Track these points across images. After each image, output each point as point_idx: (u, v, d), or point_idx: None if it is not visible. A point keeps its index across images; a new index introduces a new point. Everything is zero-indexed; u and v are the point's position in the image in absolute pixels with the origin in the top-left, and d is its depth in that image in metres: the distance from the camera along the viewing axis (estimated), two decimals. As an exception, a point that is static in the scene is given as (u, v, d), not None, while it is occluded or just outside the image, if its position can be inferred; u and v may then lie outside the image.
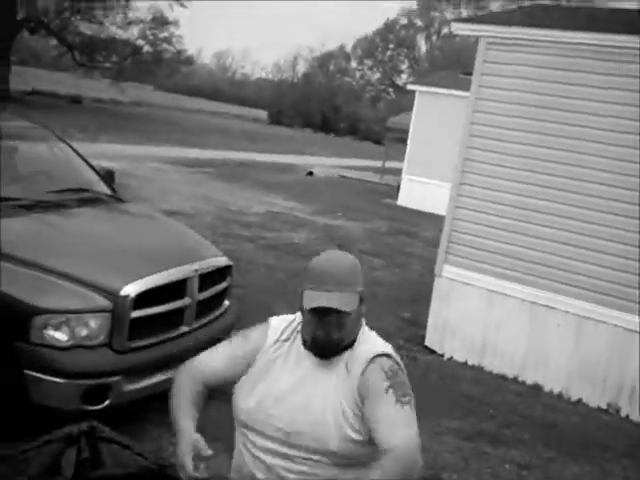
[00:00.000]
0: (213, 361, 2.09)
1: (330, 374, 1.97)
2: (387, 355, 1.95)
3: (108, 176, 5.63)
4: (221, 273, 4.73)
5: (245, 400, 2.00)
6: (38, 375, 3.69)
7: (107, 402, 3.73)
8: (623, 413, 5.66)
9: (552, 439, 4.95)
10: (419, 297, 7.44)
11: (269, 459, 1.96)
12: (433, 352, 6.38)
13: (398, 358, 1.98)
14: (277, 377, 2.00)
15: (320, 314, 1.92)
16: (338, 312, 1.91)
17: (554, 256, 5.87)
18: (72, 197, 4.90)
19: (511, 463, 4.50)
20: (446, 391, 5.50)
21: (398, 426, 1.81)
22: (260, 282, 7.73)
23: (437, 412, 5.09)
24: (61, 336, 3.72)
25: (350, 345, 1.99)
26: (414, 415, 1.87)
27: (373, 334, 2.08)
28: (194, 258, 4.49)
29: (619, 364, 5.66)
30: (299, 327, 2.08)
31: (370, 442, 1.86)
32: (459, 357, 6.34)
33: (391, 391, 1.86)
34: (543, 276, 5.92)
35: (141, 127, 24.57)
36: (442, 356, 6.36)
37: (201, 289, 4.39)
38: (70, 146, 5.52)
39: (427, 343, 6.50)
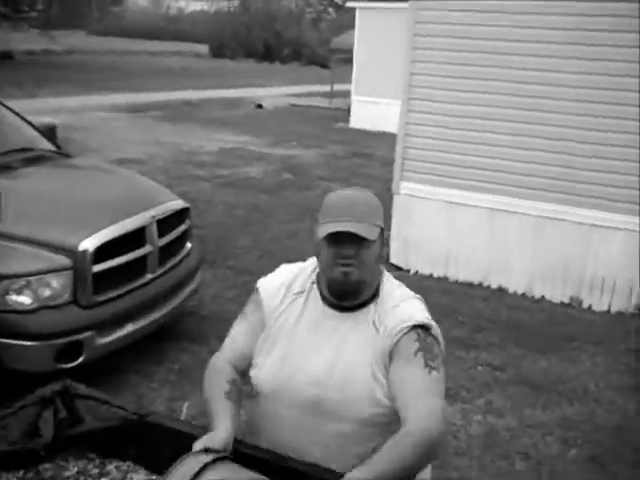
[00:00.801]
0: (235, 343, 1.90)
1: (356, 332, 1.79)
2: (426, 328, 1.77)
3: (50, 132, 5.47)
4: (179, 216, 4.69)
5: (264, 370, 1.85)
6: (7, 341, 3.67)
7: (81, 359, 3.74)
8: (585, 304, 5.87)
9: (521, 338, 5.13)
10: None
11: (293, 427, 1.82)
12: (399, 269, 6.48)
13: (438, 329, 1.81)
14: (295, 338, 1.83)
15: (337, 245, 1.73)
16: (357, 242, 1.72)
17: (508, 161, 5.92)
18: (16, 158, 4.76)
19: (484, 365, 4.67)
20: (416, 305, 5.61)
21: (421, 396, 1.65)
22: (220, 220, 7.69)
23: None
24: (24, 299, 3.69)
25: (373, 297, 1.83)
26: (442, 385, 1.72)
27: (396, 284, 1.89)
28: (149, 205, 4.44)
29: (578, 259, 5.82)
30: (314, 277, 1.89)
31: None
32: (425, 270, 6.45)
33: (420, 354, 1.71)
34: (499, 182, 5.99)
35: (78, 76, 23.74)
36: (408, 271, 6.46)
37: (161, 235, 4.36)
38: (5, 105, 5.32)
39: (392, 260, 6.59)
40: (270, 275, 1.96)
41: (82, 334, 3.76)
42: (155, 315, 4.25)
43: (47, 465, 1.93)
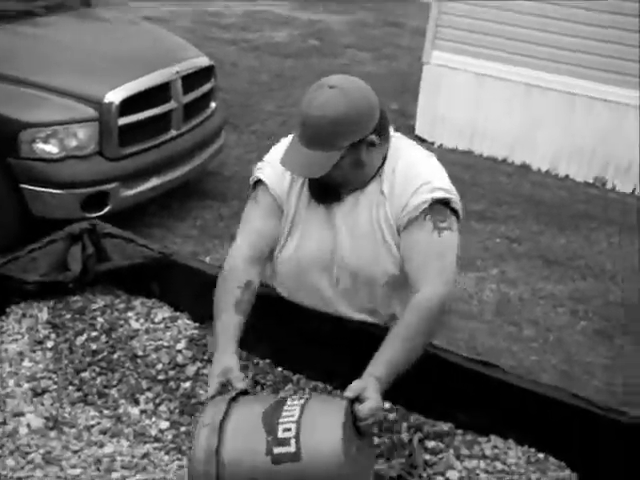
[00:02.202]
0: (250, 224, 1.79)
1: (365, 202, 1.74)
2: (445, 202, 1.68)
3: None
4: (204, 74, 4.62)
5: (287, 250, 1.81)
6: (35, 188, 3.75)
7: (107, 209, 3.83)
8: (609, 185, 5.81)
9: (541, 214, 5.13)
10: (408, 88, 7.31)
11: (311, 297, 1.83)
12: (423, 141, 6.40)
13: (452, 192, 1.70)
14: (310, 216, 1.77)
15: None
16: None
17: (546, 33, 5.68)
18: (39, 4, 4.67)
19: (501, 237, 4.71)
20: (438, 177, 5.59)
21: (430, 259, 1.64)
22: (245, 85, 7.56)
23: (429, 197, 5.23)
24: (51, 148, 3.73)
25: (378, 171, 1.74)
26: (453, 247, 1.69)
27: (407, 148, 1.79)
28: (175, 60, 4.37)
29: (607, 139, 5.70)
30: None
31: None
32: (449, 144, 6.37)
33: (429, 217, 1.66)
34: (534, 55, 5.78)
35: None
36: (433, 144, 6.39)
37: (186, 92, 4.32)
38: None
39: (417, 132, 6.50)
40: (266, 163, 1.82)
41: (107, 185, 3.83)
42: (179, 171, 4.30)
43: (76, 297, 2.03)
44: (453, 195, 1.71)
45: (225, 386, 1.52)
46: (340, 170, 1.65)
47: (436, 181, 1.70)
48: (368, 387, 1.45)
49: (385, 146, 1.74)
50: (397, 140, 1.80)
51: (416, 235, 1.67)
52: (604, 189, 5.79)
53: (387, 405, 1.70)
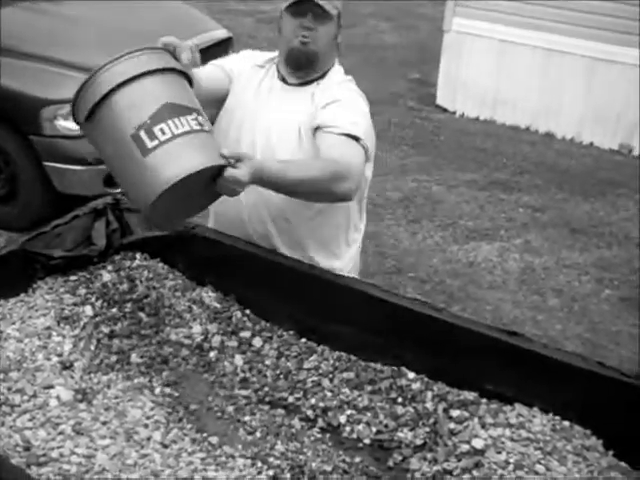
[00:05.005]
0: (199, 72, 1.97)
1: (297, 102, 1.97)
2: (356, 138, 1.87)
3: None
4: (223, 47, 4.60)
5: (226, 132, 2.03)
6: (58, 165, 3.78)
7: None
8: (636, 152, 5.71)
9: (565, 182, 5.07)
10: (429, 57, 7.23)
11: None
12: (445, 110, 6.35)
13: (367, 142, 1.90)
14: (249, 105, 2.02)
15: (300, 15, 1.91)
16: (317, 16, 1.90)
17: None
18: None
19: (525, 207, 4.67)
20: (459, 146, 5.55)
21: (339, 147, 1.82)
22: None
23: (451, 166, 5.20)
24: (72, 125, 3.71)
25: (319, 77, 2.00)
26: (361, 151, 1.87)
27: (344, 76, 2.05)
28: (192, 33, 4.34)
29: (633, 104, 5.59)
30: (276, 60, 2.07)
31: None
32: (471, 113, 6.30)
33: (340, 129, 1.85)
34: (555, 19, 5.67)
35: None
36: (454, 113, 6.32)
37: (204, 63, 4.30)
38: None
39: (438, 102, 6.44)
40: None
41: (129, 161, 3.84)
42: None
43: (101, 271, 2.04)
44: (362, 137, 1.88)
45: (167, 47, 1.69)
46: (324, 37, 1.93)
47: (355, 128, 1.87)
48: (246, 160, 1.62)
49: (335, 55, 2.03)
50: (338, 70, 2.06)
51: (327, 137, 1.86)
52: (630, 156, 5.70)
53: (411, 375, 1.70)
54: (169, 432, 1.59)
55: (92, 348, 1.79)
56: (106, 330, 1.84)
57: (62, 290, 1.95)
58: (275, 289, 1.93)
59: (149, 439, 1.55)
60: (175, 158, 1.52)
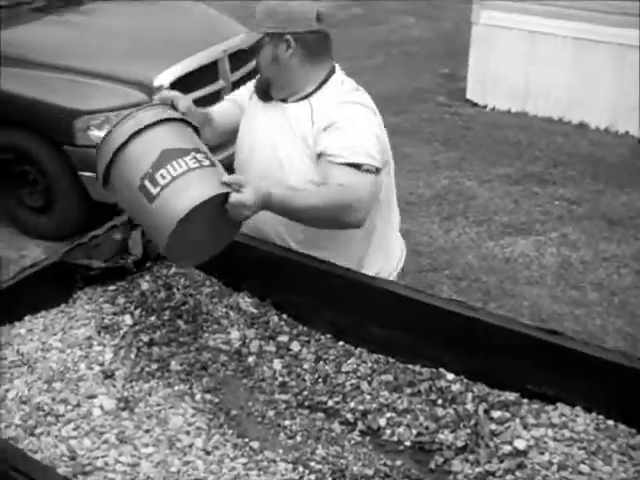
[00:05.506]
0: (214, 109, 2.19)
1: (285, 118, 2.00)
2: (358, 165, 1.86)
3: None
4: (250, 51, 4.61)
5: (242, 159, 2.13)
6: (92, 174, 3.82)
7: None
8: (673, 140, 5.59)
9: (600, 173, 4.99)
10: (457, 51, 7.15)
11: None
12: (475, 105, 6.28)
13: (372, 161, 1.88)
14: (252, 127, 2.09)
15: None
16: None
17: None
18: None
19: (560, 199, 4.60)
20: (491, 140, 5.49)
21: (339, 172, 1.84)
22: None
23: (484, 161, 5.15)
24: (105, 135, 3.80)
25: (311, 93, 1.99)
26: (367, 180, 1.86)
27: (341, 84, 2.04)
28: (221, 38, 4.38)
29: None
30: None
31: None
32: (502, 106, 6.22)
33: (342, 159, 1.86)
34: (585, 7, 5.57)
35: None
36: (485, 107, 6.25)
37: (233, 70, 4.33)
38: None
39: (468, 96, 6.37)
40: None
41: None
42: (229, 150, 4.31)
43: (139, 280, 2.07)
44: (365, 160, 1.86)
45: (165, 102, 1.87)
46: (262, 60, 1.98)
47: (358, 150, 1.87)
48: (248, 185, 1.71)
49: (313, 68, 1.99)
50: (335, 78, 2.04)
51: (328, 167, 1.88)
52: (667, 144, 5.58)
53: (450, 376, 1.70)
54: (211, 438, 1.60)
55: (132, 357, 1.81)
56: (145, 338, 1.86)
57: (101, 300, 1.98)
58: (311, 293, 1.94)
59: (191, 446, 1.57)
60: (176, 198, 1.65)
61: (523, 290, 3.68)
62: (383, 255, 2.14)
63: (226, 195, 1.70)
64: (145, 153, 1.70)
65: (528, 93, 6.10)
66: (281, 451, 1.58)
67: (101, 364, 1.77)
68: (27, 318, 1.93)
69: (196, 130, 1.88)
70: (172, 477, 1.47)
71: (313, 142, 1.92)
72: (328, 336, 1.89)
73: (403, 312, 1.79)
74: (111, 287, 2.03)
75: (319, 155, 1.91)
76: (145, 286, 2.03)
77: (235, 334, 1.90)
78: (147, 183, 1.67)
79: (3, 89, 3.99)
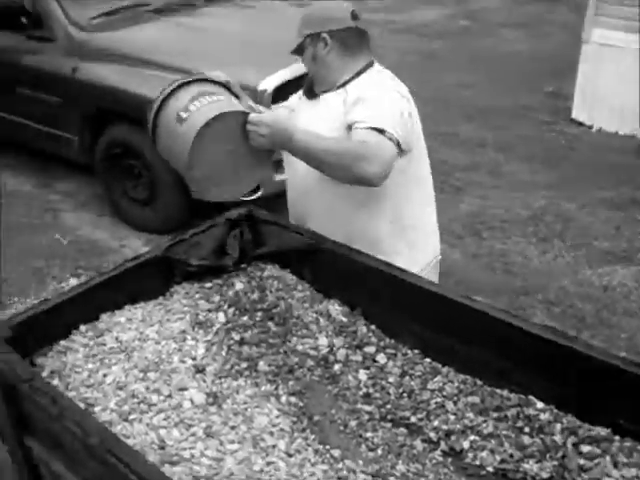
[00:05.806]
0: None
1: (330, 106, 2.14)
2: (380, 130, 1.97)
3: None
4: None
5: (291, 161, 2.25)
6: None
7: (260, 192, 3.97)
8: None
9: None
10: (563, 69, 6.96)
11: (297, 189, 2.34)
12: (581, 124, 6.09)
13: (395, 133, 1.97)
14: (295, 122, 2.18)
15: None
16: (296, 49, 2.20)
17: None
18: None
19: (665, 228, 4.40)
20: (596, 162, 5.31)
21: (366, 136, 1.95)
22: (392, 67, 7.52)
23: (586, 184, 4.98)
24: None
25: (345, 83, 2.14)
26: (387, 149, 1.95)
27: (377, 76, 2.17)
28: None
29: None
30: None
31: None
32: (609, 127, 6.01)
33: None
34: None
35: None
36: (590, 127, 6.06)
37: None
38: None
39: (574, 115, 6.19)
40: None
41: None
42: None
43: (235, 279, 2.12)
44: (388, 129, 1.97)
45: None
46: (305, 60, 2.20)
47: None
48: (270, 112, 2.06)
49: (350, 60, 2.15)
50: (372, 70, 2.19)
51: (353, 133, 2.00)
52: None
53: (540, 405, 1.65)
54: (293, 441, 1.63)
55: (223, 354, 1.86)
56: (237, 337, 1.91)
57: (197, 296, 2.05)
58: (400, 306, 1.93)
59: (274, 447, 1.60)
60: (200, 115, 1.92)
61: (620, 321, 3.54)
62: (408, 248, 2.24)
63: (245, 117, 1.94)
64: (186, 94, 2.01)
65: (638, 115, 5.86)
66: (361, 462, 1.59)
67: (193, 358, 1.83)
68: (127, 307, 2.01)
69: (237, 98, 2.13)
70: (254, 476, 1.50)
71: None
72: (415, 352, 1.88)
73: (495, 335, 1.75)
74: (207, 284, 2.10)
75: (349, 127, 2.02)
76: (239, 286, 2.08)
77: (323, 340, 1.92)
78: (181, 112, 1.96)
79: (115, 85, 4.19)
